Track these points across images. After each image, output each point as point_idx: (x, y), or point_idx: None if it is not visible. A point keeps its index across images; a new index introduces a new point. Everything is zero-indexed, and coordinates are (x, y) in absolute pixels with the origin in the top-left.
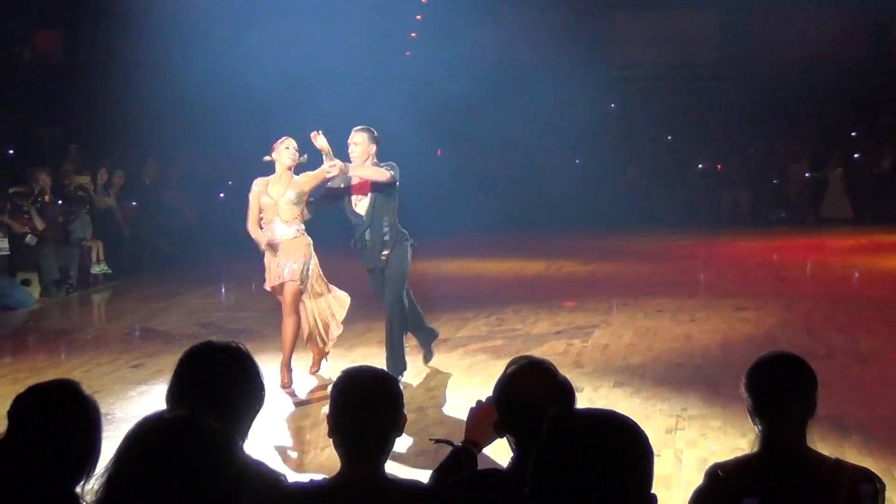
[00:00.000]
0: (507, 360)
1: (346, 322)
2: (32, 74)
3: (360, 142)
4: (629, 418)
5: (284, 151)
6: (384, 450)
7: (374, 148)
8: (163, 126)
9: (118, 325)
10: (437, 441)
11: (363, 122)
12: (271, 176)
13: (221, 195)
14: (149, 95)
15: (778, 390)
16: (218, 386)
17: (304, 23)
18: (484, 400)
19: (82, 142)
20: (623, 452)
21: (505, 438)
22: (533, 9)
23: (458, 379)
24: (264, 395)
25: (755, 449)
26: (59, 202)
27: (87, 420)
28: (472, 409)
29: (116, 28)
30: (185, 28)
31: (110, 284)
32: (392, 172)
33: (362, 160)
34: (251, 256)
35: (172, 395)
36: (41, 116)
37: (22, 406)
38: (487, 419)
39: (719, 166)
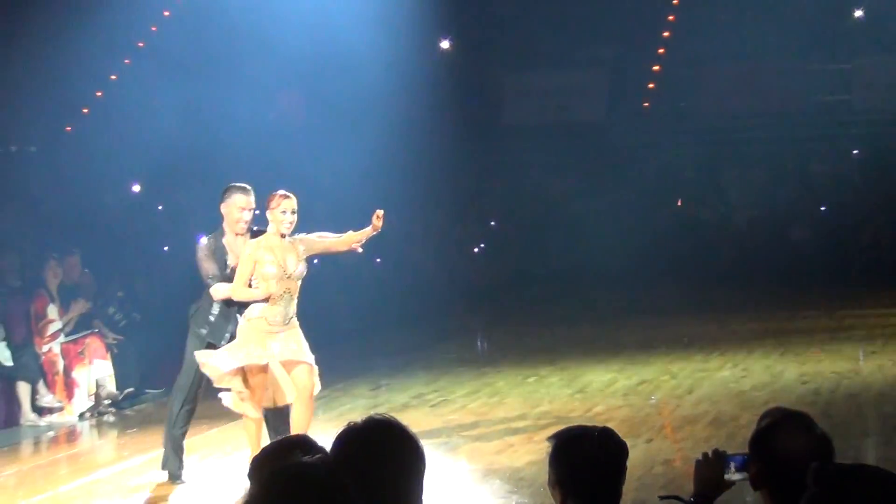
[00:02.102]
0: (753, 413)
1: None
2: (277, 134)
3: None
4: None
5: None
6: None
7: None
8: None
9: (366, 380)
10: (665, 497)
11: None
12: (266, 237)
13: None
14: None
15: None
16: (376, 464)
17: None
18: (710, 453)
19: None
20: None
21: (759, 493)
22: (770, 55)
23: (705, 431)
24: (423, 461)
25: None
26: None
27: (326, 472)
28: (698, 462)
29: (350, 86)
30: None
31: (356, 342)
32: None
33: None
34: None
35: None
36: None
37: (260, 465)
38: (716, 471)
39: None
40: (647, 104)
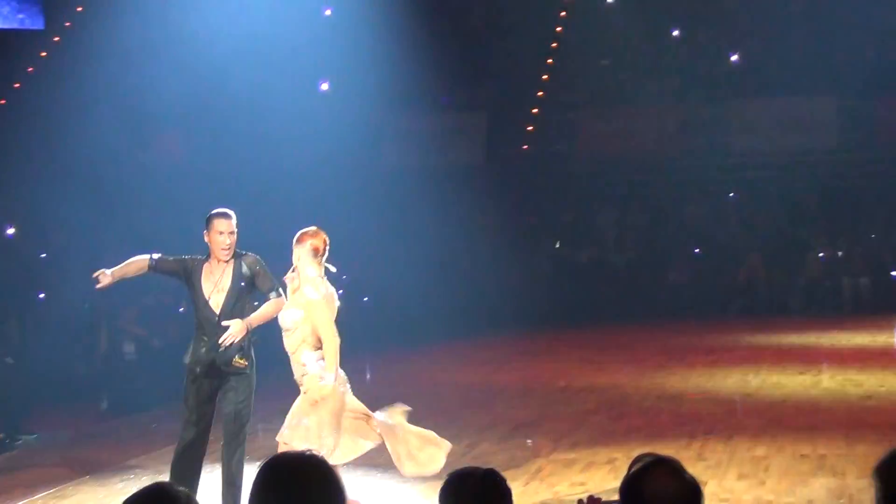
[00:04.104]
0: (629, 456)
1: None
2: (155, 175)
3: (235, 230)
4: None
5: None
6: None
7: None
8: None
9: None
10: None
11: None
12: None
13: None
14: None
15: None
16: (301, 499)
17: None
18: (585, 498)
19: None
20: None
21: None
22: (647, 99)
23: (581, 475)
24: (344, 497)
25: None
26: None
27: None
28: None
29: (234, 129)
30: None
31: None
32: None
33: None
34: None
35: None
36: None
37: None
38: None
39: (839, 252)
40: (525, 147)
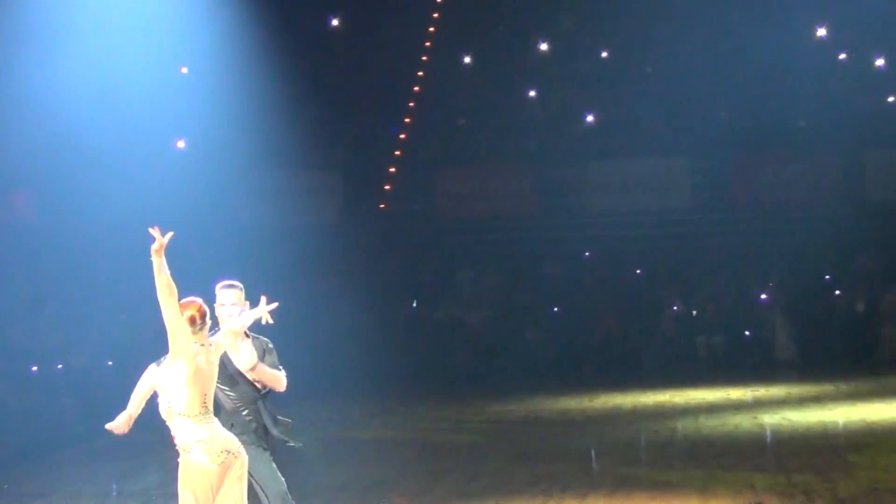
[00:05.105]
0: None
1: None
2: (6, 233)
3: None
4: None
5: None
6: None
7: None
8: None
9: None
10: None
11: None
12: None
13: None
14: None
15: None
16: None
17: None
18: None
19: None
20: None
21: None
22: (504, 159)
23: None
24: None
25: None
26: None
27: None
28: None
29: (88, 187)
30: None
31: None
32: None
33: None
34: None
35: None
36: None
37: None
38: None
39: (694, 312)
40: (383, 206)
